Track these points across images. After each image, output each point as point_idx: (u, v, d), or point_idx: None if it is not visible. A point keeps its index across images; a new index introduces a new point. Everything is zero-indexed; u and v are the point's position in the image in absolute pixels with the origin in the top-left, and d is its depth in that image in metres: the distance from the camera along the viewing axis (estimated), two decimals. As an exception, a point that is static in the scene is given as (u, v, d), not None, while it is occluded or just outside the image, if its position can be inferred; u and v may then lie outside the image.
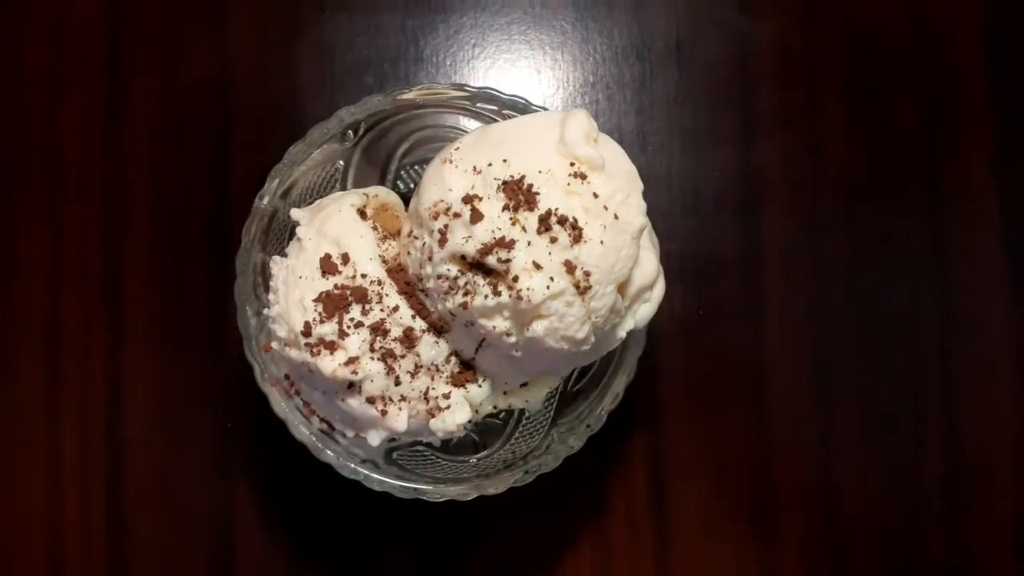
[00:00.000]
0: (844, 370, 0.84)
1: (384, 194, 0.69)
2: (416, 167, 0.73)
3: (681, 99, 0.86)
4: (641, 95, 0.86)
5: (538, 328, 0.57)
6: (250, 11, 0.89)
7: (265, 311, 0.64)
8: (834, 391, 0.84)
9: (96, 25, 0.88)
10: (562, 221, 0.56)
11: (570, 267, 0.56)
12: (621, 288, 0.59)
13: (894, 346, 0.84)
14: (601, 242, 0.56)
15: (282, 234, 0.70)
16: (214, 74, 0.84)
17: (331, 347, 0.60)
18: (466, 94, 0.67)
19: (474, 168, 0.58)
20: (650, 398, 0.82)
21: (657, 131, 0.86)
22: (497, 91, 0.67)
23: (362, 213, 0.66)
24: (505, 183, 0.57)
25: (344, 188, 0.72)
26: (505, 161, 0.58)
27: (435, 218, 0.58)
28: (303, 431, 0.66)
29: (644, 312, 0.63)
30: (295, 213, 0.66)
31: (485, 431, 0.72)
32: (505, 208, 0.56)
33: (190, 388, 0.81)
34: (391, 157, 0.75)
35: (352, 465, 0.66)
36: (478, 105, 0.69)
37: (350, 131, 0.70)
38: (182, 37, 0.88)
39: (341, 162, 0.72)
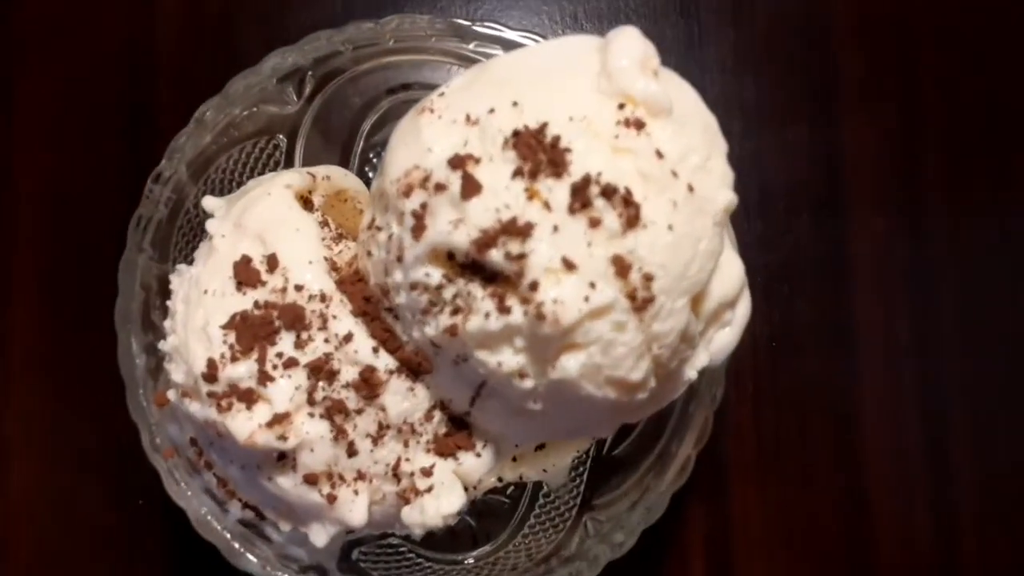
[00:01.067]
0: (962, 412, 0.76)
1: (340, 176, 0.58)
2: (391, 145, 0.60)
3: (740, 67, 0.78)
4: (688, 61, 0.78)
5: (570, 366, 0.44)
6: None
7: (160, 344, 0.53)
8: (950, 439, 0.76)
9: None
10: (608, 193, 0.43)
11: (621, 266, 0.43)
12: (695, 303, 0.47)
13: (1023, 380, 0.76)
14: (669, 227, 0.44)
15: (195, 236, 0.59)
16: (127, 36, 0.75)
17: (247, 398, 0.48)
18: (455, 28, 0.57)
19: (467, 117, 0.46)
20: (707, 457, 0.71)
21: (709, 107, 0.78)
22: (502, 24, 0.55)
23: (307, 202, 0.55)
24: (516, 135, 0.44)
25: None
26: (516, 104, 0.45)
27: (407, 194, 0.45)
28: (213, 526, 0.54)
29: (724, 340, 0.51)
30: (207, 201, 0.54)
31: (485, 513, 0.62)
32: (517, 174, 0.43)
33: (88, 447, 0.72)
34: (355, 133, 0.65)
35: None
36: (474, 47, 0.57)
37: (290, 88, 0.58)
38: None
39: (282, 136, 0.61)
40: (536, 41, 0.56)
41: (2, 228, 0.74)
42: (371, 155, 0.65)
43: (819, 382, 0.75)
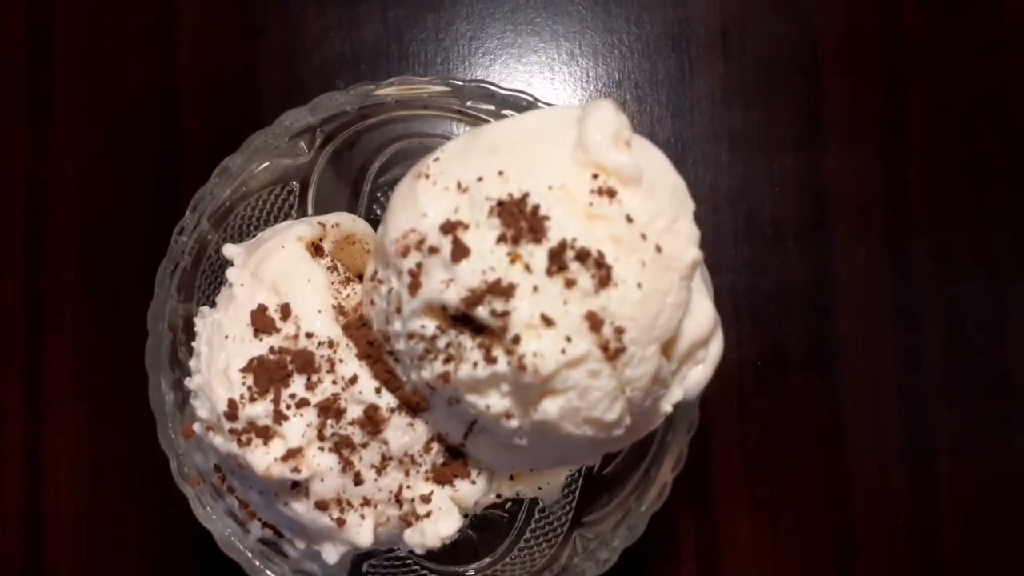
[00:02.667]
0: (945, 433, 0.75)
1: (348, 223, 0.60)
2: (397, 188, 0.61)
3: (728, 98, 0.78)
4: (679, 94, 0.78)
5: (550, 408, 0.47)
6: (200, 2, 0.78)
7: (186, 382, 0.55)
8: (933, 459, 0.75)
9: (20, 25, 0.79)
10: (582, 257, 0.45)
11: (595, 321, 0.45)
12: (667, 347, 0.49)
13: (1007, 401, 0.75)
14: (639, 285, 0.46)
15: (216, 277, 0.62)
16: (154, 84, 0.77)
17: (264, 434, 0.50)
18: (450, 88, 0.58)
19: (458, 184, 0.48)
20: (698, 475, 0.74)
21: (700, 138, 0.78)
22: (493, 84, 0.58)
23: (317, 248, 0.58)
24: (501, 204, 0.46)
25: (303, 215, 0.65)
26: (501, 173, 0.47)
27: (404, 254, 0.48)
28: (236, 545, 0.57)
29: (697, 377, 0.53)
30: (227, 249, 0.57)
31: (486, 526, 0.64)
32: (501, 239, 0.46)
33: (125, 464, 0.74)
34: (364, 174, 0.67)
35: None
36: (469, 105, 0.60)
37: (302, 142, 0.61)
38: (118, 40, 0.78)
39: (296, 183, 0.64)
40: (523, 99, 0.58)
41: (39, 265, 0.76)
42: (378, 194, 0.67)
43: (804, 400, 0.75)
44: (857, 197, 0.77)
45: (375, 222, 0.61)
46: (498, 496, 0.62)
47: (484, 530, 0.64)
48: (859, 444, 0.75)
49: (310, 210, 0.64)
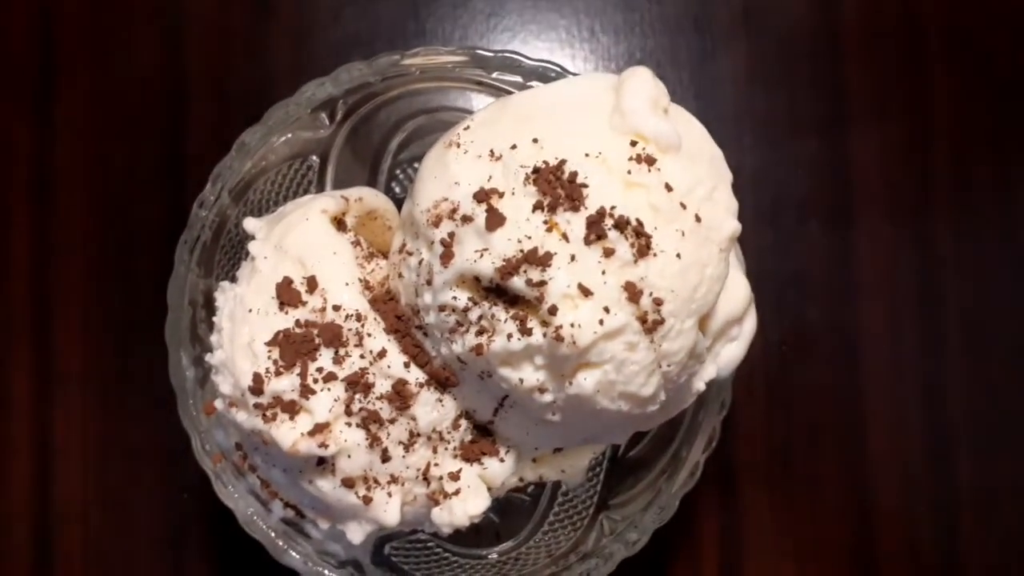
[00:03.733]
0: (966, 421, 0.75)
1: (371, 197, 0.59)
2: (417, 165, 0.58)
3: (752, 79, 0.77)
4: (701, 75, 0.77)
5: (586, 382, 0.46)
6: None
7: (207, 358, 0.54)
8: (953, 448, 0.75)
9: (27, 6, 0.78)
10: (621, 225, 0.45)
11: (633, 292, 0.45)
12: (702, 322, 0.49)
13: None
14: (678, 255, 0.46)
15: (236, 252, 0.61)
16: (163, 60, 0.76)
17: (290, 409, 0.49)
18: (476, 59, 0.58)
19: (491, 152, 0.48)
20: (720, 461, 0.73)
21: (722, 119, 0.77)
22: (520, 55, 0.57)
23: (340, 223, 0.57)
24: (537, 171, 0.46)
25: (321, 192, 0.64)
26: (536, 141, 0.47)
27: (436, 224, 0.48)
28: (258, 525, 0.56)
29: (731, 355, 0.53)
30: (248, 223, 0.56)
31: (508, 510, 0.63)
32: (537, 208, 0.45)
33: (136, 450, 0.73)
34: (383, 151, 0.66)
35: (326, 573, 0.56)
36: (494, 76, 0.58)
37: (324, 115, 0.60)
38: (126, 21, 0.77)
39: (315, 157, 0.63)
40: (553, 71, 0.57)
41: (51, 246, 0.75)
42: (398, 172, 0.66)
43: (827, 385, 0.75)
44: (881, 180, 0.77)
45: (394, 200, 0.61)
46: (520, 480, 0.61)
47: (506, 514, 0.63)
48: (880, 429, 0.75)
49: (329, 186, 0.64)
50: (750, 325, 0.53)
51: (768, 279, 0.75)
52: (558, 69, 0.58)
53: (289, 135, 0.59)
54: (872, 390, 0.75)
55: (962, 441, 0.75)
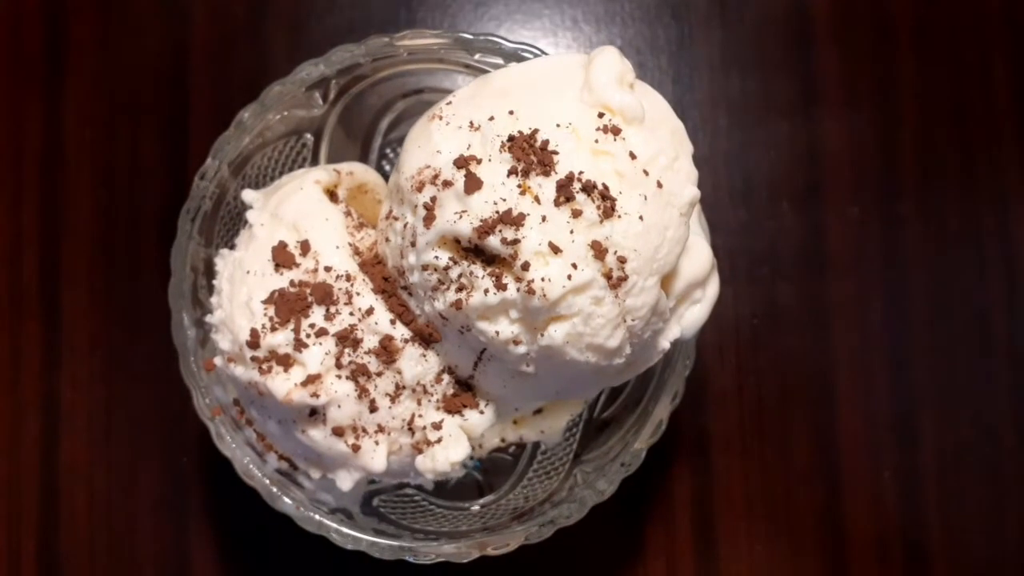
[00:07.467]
0: (929, 387, 0.77)
1: (361, 172, 0.62)
2: (406, 142, 0.63)
3: (727, 65, 0.79)
4: (679, 61, 0.79)
5: (556, 333, 0.49)
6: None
7: (207, 318, 0.57)
8: (918, 412, 0.77)
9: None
10: (588, 189, 0.47)
11: (599, 250, 0.47)
12: (665, 283, 0.51)
13: (990, 356, 0.77)
14: (640, 217, 0.48)
15: (235, 224, 0.63)
16: (165, 47, 0.78)
17: (285, 362, 0.52)
18: (460, 41, 0.60)
19: (470, 123, 0.50)
20: (694, 425, 0.75)
21: (699, 104, 0.79)
22: (500, 38, 0.58)
23: (332, 195, 0.60)
24: (512, 139, 0.48)
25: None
26: (511, 113, 0.49)
27: (419, 189, 0.50)
28: (255, 473, 0.59)
29: (694, 316, 0.55)
30: (247, 194, 0.59)
31: (491, 470, 0.66)
32: (512, 173, 0.48)
33: (138, 414, 0.75)
34: (374, 130, 0.68)
35: (317, 517, 0.59)
36: (477, 58, 0.61)
37: (317, 94, 0.62)
38: (130, 8, 0.79)
39: (310, 135, 0.65)
40: (531, 53, 0.60)
41: (57, 216, 0.77)
42: (388, 151, 0.69)
43: (797, 356, 0.76)
44: (850, 161, 0.78)
45: (385, 176, 0.63)
46: (503, 440, 0.64)
47: (489, 472, 0.66)
48: (848, 397, 0.76)
49: (322, 163, 0.66)
50: (713, 289, 0.55)
51: (741, 255, 0.77)
52: (536, 51, 0.60)
53: (285, 113, 0.61)
54: (840, 361, 0.76)
55: (926, 408, 0.76)
